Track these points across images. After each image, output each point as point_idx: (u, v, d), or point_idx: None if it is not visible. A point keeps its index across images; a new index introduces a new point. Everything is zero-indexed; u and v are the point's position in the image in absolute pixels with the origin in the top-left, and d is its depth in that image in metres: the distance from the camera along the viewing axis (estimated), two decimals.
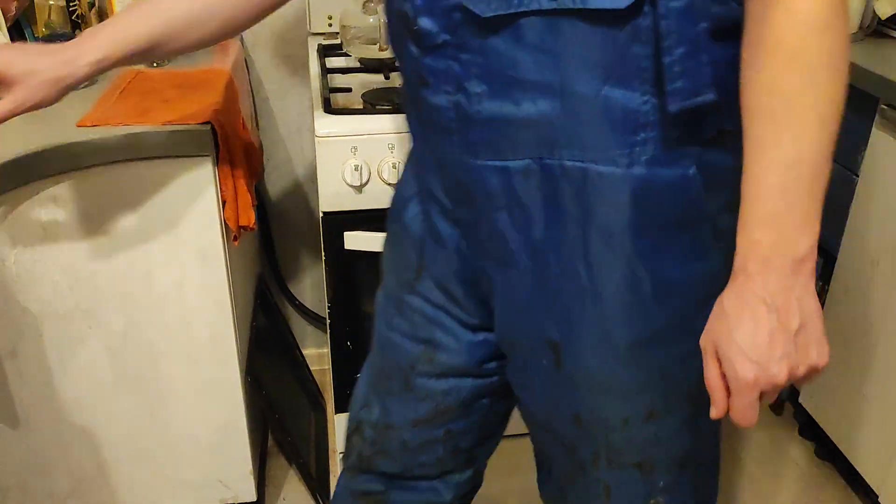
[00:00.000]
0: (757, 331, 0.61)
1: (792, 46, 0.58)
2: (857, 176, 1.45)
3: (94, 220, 1.15)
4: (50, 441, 1.27)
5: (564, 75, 0.63)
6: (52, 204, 1.12)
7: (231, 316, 1.29)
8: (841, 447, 1.59)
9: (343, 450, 1.02)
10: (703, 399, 0.74)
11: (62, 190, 1.12)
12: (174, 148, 1.14)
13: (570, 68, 0.63)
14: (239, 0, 0.89)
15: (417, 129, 0.78)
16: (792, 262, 0.61)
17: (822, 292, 1.61)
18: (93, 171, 1.12)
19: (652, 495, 0.83)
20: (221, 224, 1.22)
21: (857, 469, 1.54)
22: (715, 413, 0.66)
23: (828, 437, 1.63)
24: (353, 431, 1.00)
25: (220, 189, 1.20)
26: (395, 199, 0.91)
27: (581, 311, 0.73)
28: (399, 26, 0.70)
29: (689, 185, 0.67)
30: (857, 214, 1.46)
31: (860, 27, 1.53)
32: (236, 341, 1.32)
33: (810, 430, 1.74)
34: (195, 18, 0.88)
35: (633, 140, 0.65)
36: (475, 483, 1.02)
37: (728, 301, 0.63)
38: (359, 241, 1.29)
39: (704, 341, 0.67)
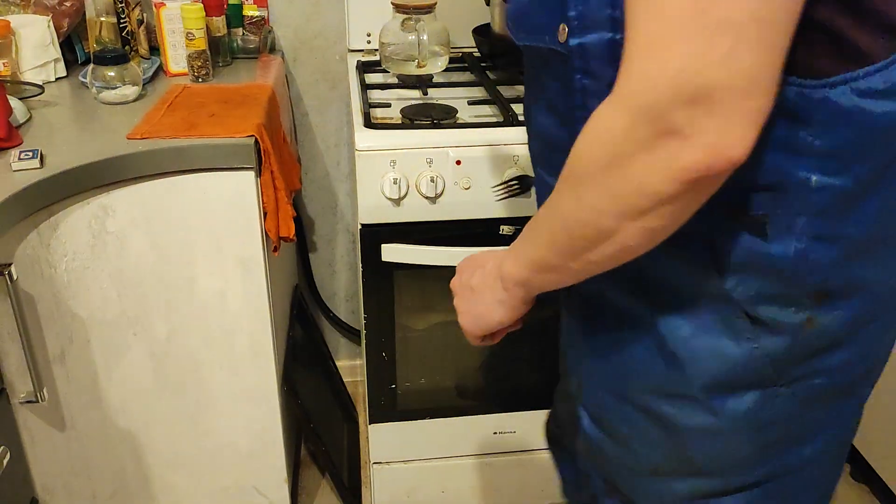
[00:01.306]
0: (462, 277, 0.79)
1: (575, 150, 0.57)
2: None
3: (141, 230, 1.19)
4: (94, 444, 1.30)
5: None
6: (102, 213, 1.16)
7: (270, 325, 1.31)
8: (876, 468, 1.57)
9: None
10: None
11: (112, 200, 1.16)
12: (219, 160, 1.17)
13: None
14: None
15: None
16: (497, 268, 0.73)
17: None
18: (141, 183, 1.16)
19: None
20: (262, 235, 1.25)
21: (893, 491, 1.53)
22: None
23: (863, 457, 1.61)
24: None
25: (262, 200, 1.24)
26: None
27: None
28: None
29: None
30: None
31: None
32: (274, 350, 1.34)
33: None
34: None
35: None
36: None
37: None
38: (396, 253, 1.32)
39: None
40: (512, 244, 0.70)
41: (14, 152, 1.09)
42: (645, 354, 0.69)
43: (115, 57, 1.30)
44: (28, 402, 1.12)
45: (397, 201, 1.26)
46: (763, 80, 0.48)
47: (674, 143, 0.49)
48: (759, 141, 0.50)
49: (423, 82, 1.45)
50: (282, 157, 1.35)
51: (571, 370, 0.81)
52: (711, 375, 0.66)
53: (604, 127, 0.53)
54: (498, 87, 1.43)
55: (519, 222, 1.32)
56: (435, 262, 1.31)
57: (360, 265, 1.35)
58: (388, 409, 1.50)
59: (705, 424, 0.68)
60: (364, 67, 1.57)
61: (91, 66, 1.32)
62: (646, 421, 0.72)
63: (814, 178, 0.57)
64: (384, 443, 1.54)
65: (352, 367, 2.06)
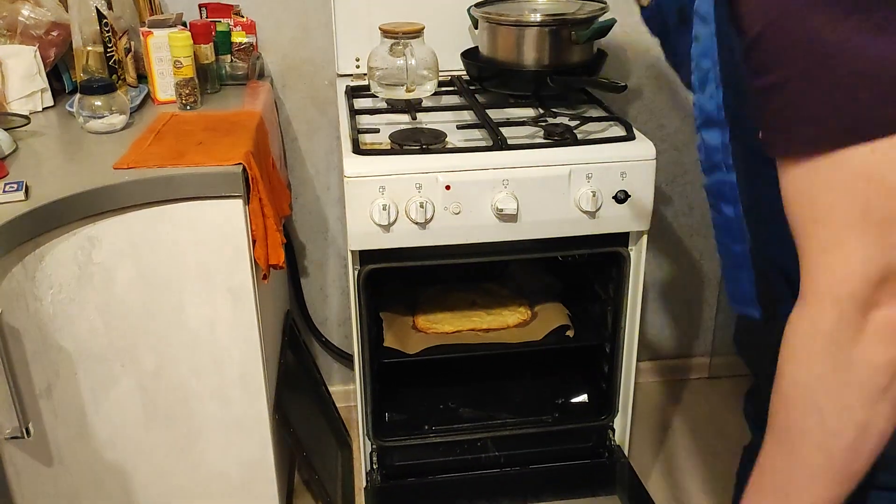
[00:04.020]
0: None
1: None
2: None
3: (128, 261, 1.18)
4: (83, 478, 1.28)
5: None
6: (88, 244, 1.15)
7: (260, 354, 1.30)
8: None
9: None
10: None
11: (99, 231, 1.14)
12: (207, 189, 1.17)
13: None
14: None
15: None
16: None
17: None
18: (128, 213, 1.15)
19: None
20: (251, 263, 1.24)
21: None
22: None
23: None
24: None
25: (251, 228, 1.22)
26: None
27: None
28: None
29: None
30: None
31: None
32: (265, 379, 1.33)
33: None
34: None
35: None
36: None
37: None
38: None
39: None
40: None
41: None
42: None
43: (102, 86, 1.30)
44: (14, 437, 1.10)
45: (387, 227, 1.25)
46: None
47: (880, 312, 0.58)
48: None
49: (412, 106, 1.45)
50: (271, 184, 1.34)
51: None
52: None
53: (810, 333, 0.61)
54: (487, 111, 1.43)
55: (508, 246, 1.31)
56: None
57: (353, 291, 1.34)
58: None
59: None
60: (353, 92, 1.56)
61: (78, 95, 1.31)
62: None
63: None
64: None
65: (345, 392, 2.04)
